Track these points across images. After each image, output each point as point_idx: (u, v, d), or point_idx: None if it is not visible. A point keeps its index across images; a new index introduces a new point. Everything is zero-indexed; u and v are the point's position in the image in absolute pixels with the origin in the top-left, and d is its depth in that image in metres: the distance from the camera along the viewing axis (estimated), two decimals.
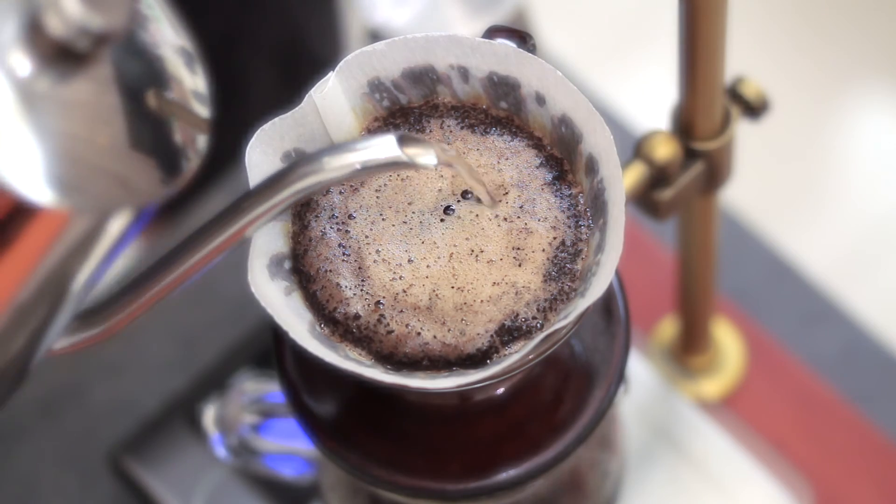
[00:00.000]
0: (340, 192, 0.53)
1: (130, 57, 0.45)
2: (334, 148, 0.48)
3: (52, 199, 0.42)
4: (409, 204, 0.53)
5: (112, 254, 0.46)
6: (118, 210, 0.44)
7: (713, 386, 0.84)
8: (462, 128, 0.54)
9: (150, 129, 0.45)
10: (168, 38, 0.47)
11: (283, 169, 0.48)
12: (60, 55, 0.42)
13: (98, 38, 0.42)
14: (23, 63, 0.42)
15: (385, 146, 0.47)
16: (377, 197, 0.53)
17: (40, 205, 0.42)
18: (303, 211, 0.53)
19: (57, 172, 0.43)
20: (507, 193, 0.53)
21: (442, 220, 0.52)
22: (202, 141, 0.47)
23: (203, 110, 0.47)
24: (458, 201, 0.52)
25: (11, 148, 0.42)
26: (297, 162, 0.48)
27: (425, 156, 0.48)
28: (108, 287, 0.78)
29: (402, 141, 0.48)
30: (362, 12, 0.92)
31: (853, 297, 1.00)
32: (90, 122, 0.44)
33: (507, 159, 0.53)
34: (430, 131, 0.54)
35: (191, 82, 0.47)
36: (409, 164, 0.48)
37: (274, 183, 0.48)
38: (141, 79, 0.45)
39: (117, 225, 0.45)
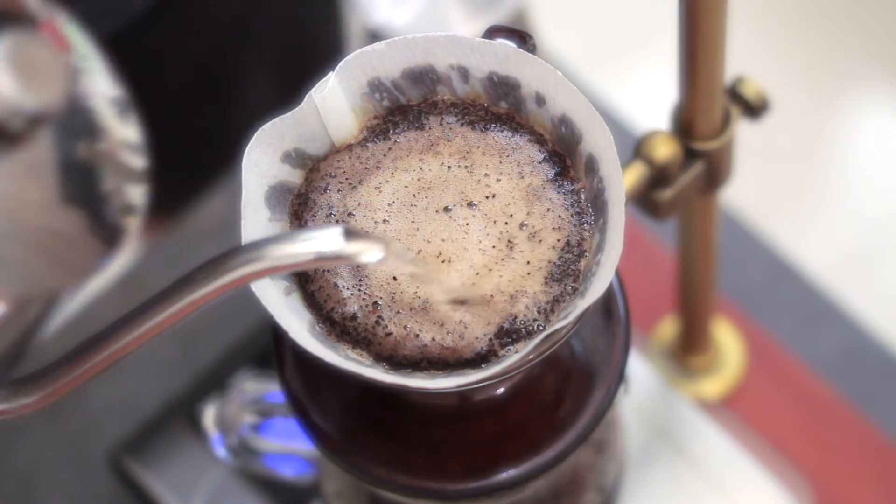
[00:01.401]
0: (339, 191, 0.53)
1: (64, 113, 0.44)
2: (278, 237, 0.46)
3: None
4: (408, 200, 0.53)
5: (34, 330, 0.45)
6: (53, 290, 0.43)
7: (713, 386, 0.84)
8: (462, 124, 0.54)
9: (81, 182, 0.44)
10: (101, 89, 0.45)
11: (225, 253, 0.47)
12: None
13: (32, 119, 0.41)
14: None
15: (329, 239, 0.46)
16: (377, 195, 0.53)
17: None
18: (301, 210, 0.53)
19: None
20: (507, 193, 0.52)
21: (438, 222, 0.52)
22: (139, 195, 0.46)
23: (136, 160, 0.46)
24: (458, 203, 0.52)
25: None
26: (239, 248, 0.47)
27: (370, 252, 0.46)
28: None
29: (348, 235, 0.46)
30: (362, 12, 0.92)
31: (853, 297, 1.00)
32: (20, 183, 0.42)
33: (507, 156, 0.53)
34: (430, 128, 0.54)
35: (121, 132, 0.45)
36: (353, 260, 0.46)
37: (215, 267, 0.46)
38: (72, 132, 0.44)
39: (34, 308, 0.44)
